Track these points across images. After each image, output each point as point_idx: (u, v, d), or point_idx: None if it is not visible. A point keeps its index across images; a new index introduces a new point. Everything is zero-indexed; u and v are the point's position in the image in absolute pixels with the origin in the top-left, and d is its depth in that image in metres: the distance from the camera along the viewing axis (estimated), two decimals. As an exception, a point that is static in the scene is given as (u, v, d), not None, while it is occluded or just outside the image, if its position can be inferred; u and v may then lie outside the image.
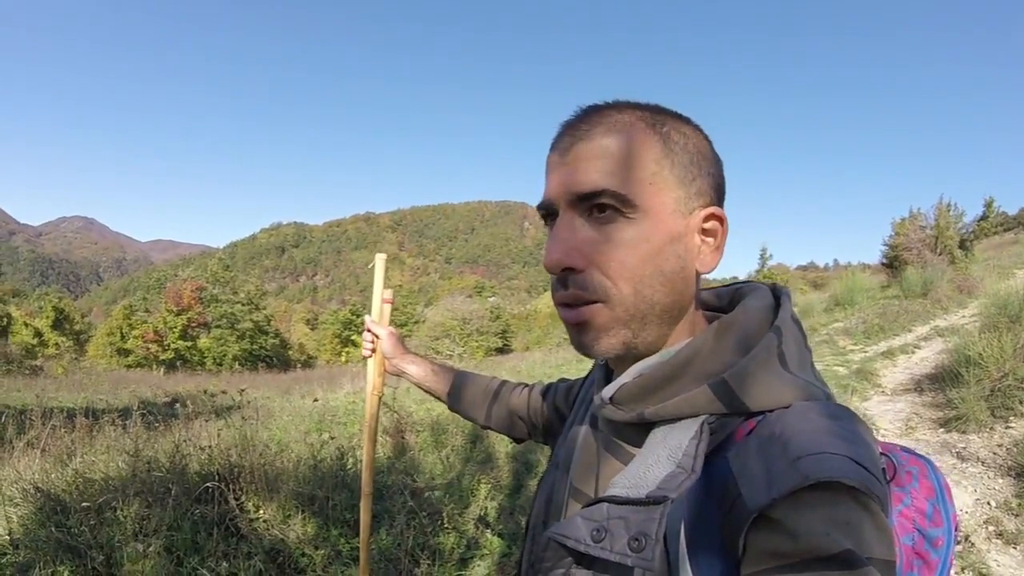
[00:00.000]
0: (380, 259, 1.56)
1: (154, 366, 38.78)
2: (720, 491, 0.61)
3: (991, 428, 5.70)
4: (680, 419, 0.70)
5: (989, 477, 4.86)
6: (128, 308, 47.85)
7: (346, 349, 53.83)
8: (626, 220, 0.69)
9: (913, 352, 10.20)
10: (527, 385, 1.36)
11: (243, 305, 48.45)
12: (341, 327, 56.98)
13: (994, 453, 5.22)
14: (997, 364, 6.35)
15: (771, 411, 0.65)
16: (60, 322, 43.95)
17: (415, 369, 1.46)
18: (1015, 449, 5.08)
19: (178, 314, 44.64)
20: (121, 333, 44.23)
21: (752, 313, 0.74)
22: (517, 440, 1.37)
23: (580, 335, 0.74)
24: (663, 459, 0.67)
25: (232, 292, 49.48)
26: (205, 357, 44.76)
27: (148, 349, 42.73)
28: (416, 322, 50.77)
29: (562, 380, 1.26)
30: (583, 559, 0.70)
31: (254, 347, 47.55)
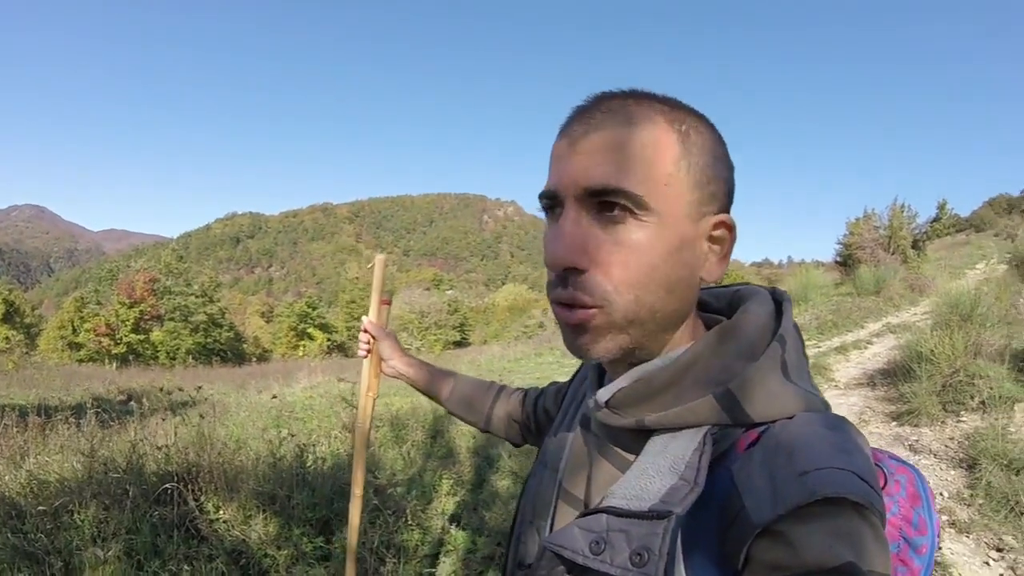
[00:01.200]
0: (380, 260, 1.53)
1: (106, 360, 37.97)
2: (721, 502, 0.61)
3: (943, 422, 5.87)
4: (682, 428, 0.68)
5: (941, 469, 5.00)
6: (79, 300, 46.85)
7: (302, 342, 53.44)
8: (637, 222, 0.65)
9: (866, 348, 10.44)
10: (522, 391, 1.36)
11: (197, 297, 47.74)
12: (297, 320, 56.53)
13: (945, 446, 5.37)
14: (949, 361, 6.52)
15: (774, 422, 0.65)
16: (10, 315, 43.02)
17: (413, 372, 1.45)
18: (966, 442, 5.24)
19: (131, 307, 43.82)
20: (72, 326, 43.39)
21: (755, 320, 0.73)
22: (515, 444, 1.37)
23: (575, 337, 0.70)
24: (665, 470, 0.65)
25: (186, 284, 48.72)
26: (158, 351, 44.03)
27: (100, 343, 41.91)
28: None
29: (553, 383, 1.25)
30: (577, 569, 0.68)
31: (208, 340, 46.89)
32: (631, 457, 0.74)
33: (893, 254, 19.16)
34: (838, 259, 21.86)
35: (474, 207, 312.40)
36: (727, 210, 0.72)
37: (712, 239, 0.70)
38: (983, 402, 5.82)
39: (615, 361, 0.76)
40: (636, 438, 0.73)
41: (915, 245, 20.03)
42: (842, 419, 0.65)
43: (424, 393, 1.48)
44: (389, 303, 1.53)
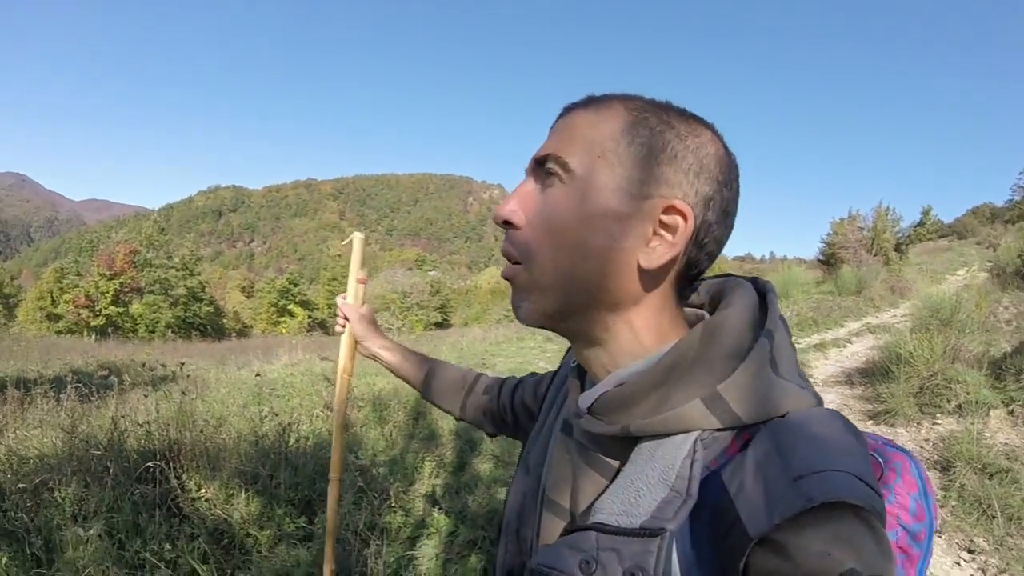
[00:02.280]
0: (358, 238, 1.49)
1: (85, 332, 37.64)
2: (713, 509, 0.59)
3: (919, 423, 5.95)
4: (670, 435, 0.66)
5: (916, 470, 5.04)
6: (59, 271, 46.34)
7: (282, 319, 53.21)
8: (561, 184, 0.69)
9: (844, 346, 10.53)
10: (499, 380, 1.33)
11: (177, 270, 47.32)
12: (278, 296, 56.29)
13: (920, 447, 5.44)
14: (927, 364, 6.59)
15: (765, 422, 0.63)
16: (-12, 285, 42.43)
17: (387, 355, 1.43)
18: (941, 444, 5.30)
19: (110, 278, 43.39)
20: (52, 297, 42.98)
21: (740, 315, 0.69)
22: (489, 434, 1.34)
23: (511, 294, 0.75)
24: (655, 481, 0.63)
25: (167, 256, 48.24)
26: (137, 324, 43.65)
27: (79, 315, 41.53)
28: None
29: (531, 375, 1.23)
30: None
31: (188, 314, 46.51)
32: (616, 464, 0.71)
33: (875, 256, 19.33)
34: (821, 257, 22.01)
35: (459, 189, 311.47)
36: (691, 201, 0.68)
37: (662, 224, 0.68)
38: (959, 406, 5.88)
39: (591, 362, 0.76)
40: (621, 445, 0.71)
41: (898, 248, 20.26)
42: (837, 414, 0.63)
43: (399, 376, 1.45)
44: (365, 281, 1.50)
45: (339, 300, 1.48)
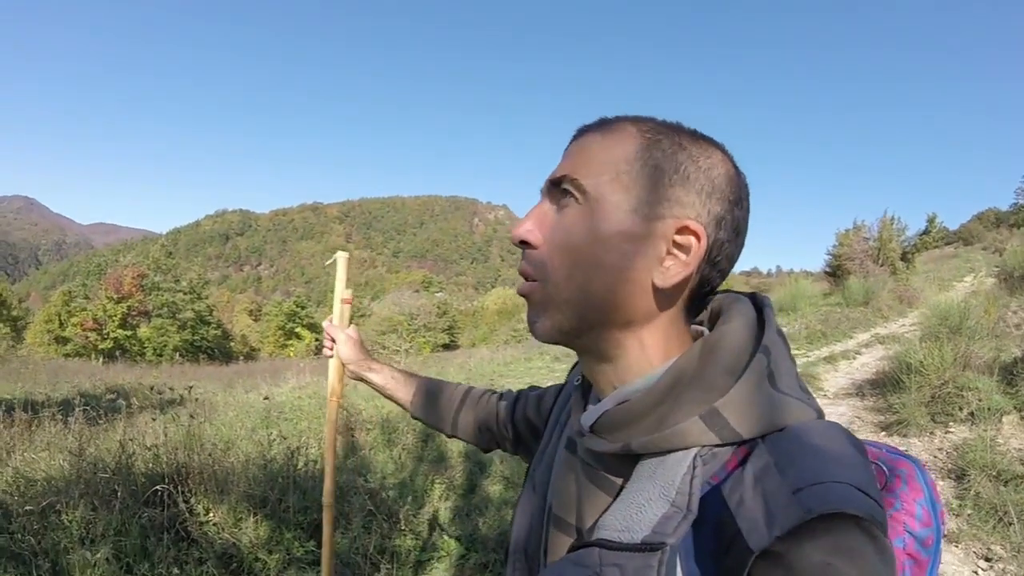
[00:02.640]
0: (342, 257, 1.49)
1: (93, 356, 37.75)
2: (714, 524, 0.60)
3: (931, 433, 5.91)
4: (670, 452, 0.67)
5: (930, 481, 4.99)
6: (67, 294, 46.59)
7: (290, 342, 53.26)
8: (577, 206, 0.71)
9: (854, 358, 10.49)
10: (494, 392, 1.33)
11: (185, 294, 47.51)
12: (285, 319, 56.39)
13: (934, 456, 5.41)
14: (937, 372, 6.56)
15: (764, 436, 0.63)
16: (-4, 307, 42.59)
17: (376, 377, 1.42)
18: (955, 453, 5.28)
19: (118, 301, 43.58)
20: (60, 320, 43.11)
21: (737, 330, 0.70)
22: (485, 450, 1.33)
23: (528, 310, 0.77)
24: (656, 497, 0.65)
25: (174, 280, 48.46)
26: (145, 347, 43.78)
27: (87, 338, 41.68)
28: (362, 316, 50.40)
29: (532, 388, 1.22)
30: None
31: (195, 338, 46.65)
32: (620, 482, 0.72)
33: (882, 266, 19.28)
34: (827, 269, 21.94)
35: (465, 210, 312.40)
36: (703, 221, 0.70)
37: (676, 244, 0.70)
38: (972, 413, 5.86)
39: (599, 377, 0.78)
40: (624, 462, 0.72)
41: (904, 257, 20.18)
42: (836, 426, 0.64)
43: (388, 398, 1.44)
44: (351, 302, 1.49)
45: (325, 324, 1.48)
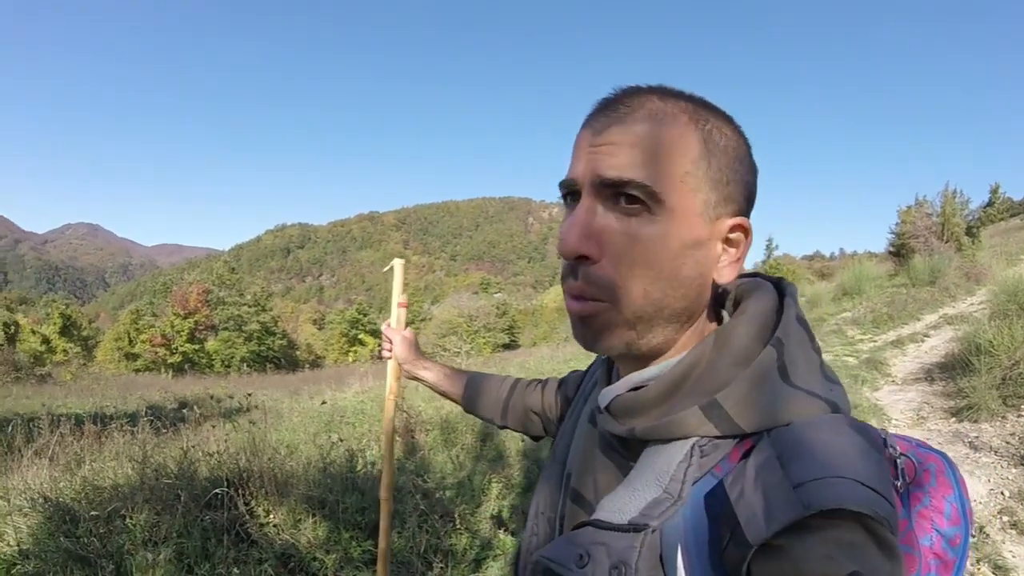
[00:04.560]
0: (398, 264, 1.58)
1: (162, 370, 38.86)
2: (717, 516, 0.59)
3: (1003, 417, 5.67)
4: (671, 440, 0.67)
5: (1002, 467, 4.82)
6: (135, 313, 48.07)
7: (353, 348, 54.07)
8: (651, 216, 0.65)
9: (922, 341, 10.16)
10: (541, 382, 1.33)
11: (250, 307, 48.67)
12: (348, 326, 57.24)
13: (1007, 442, 5.20)
14: (1008, 352, 6.32)
15: (770, 430, 0.63)
16: (67, 328, 44.01)
17: (429, 375, 1.46)
18: (1028, 438, 5.05)
19: (185, 317, 44.87)
20: (129, 338, 44.45)
21: (750, 321, 0.70)
22: (534, 438, 1.35)
23: (583, 329, 0.71)
24: (650, 482, 0.66)
25: (238, 294, 49.74)
26: (213, 359, 44.97)
27: (156, 353, 42.95)
28: (423, 320, 50.81)
29: (573, 372, 1.22)
30: None
31: (261, 348, 47.70)
32: (631, 464, 0.72)
33: (947, 242, 18.63)
34: (891, 249, 21.27)
35: (519, 210, 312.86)
36: (745, 213, 0.71)
37: (727, 241, 0.70)
38: (1046, 395, 5.62)
39: (622, 357, 0.76)
40: (634, 445, 0.72)
41: (969, 232, 19.45)
42: (846, 420, 0.62)
43: (442, 395, 1.48)
44: (406, 306, 1.56)
45: (383, 327, 1.54)
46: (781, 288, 0.75)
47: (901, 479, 0.69)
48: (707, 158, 0.66)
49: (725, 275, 0.70)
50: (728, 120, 0.71)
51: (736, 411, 0.63)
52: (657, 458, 0.67)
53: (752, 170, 0.72)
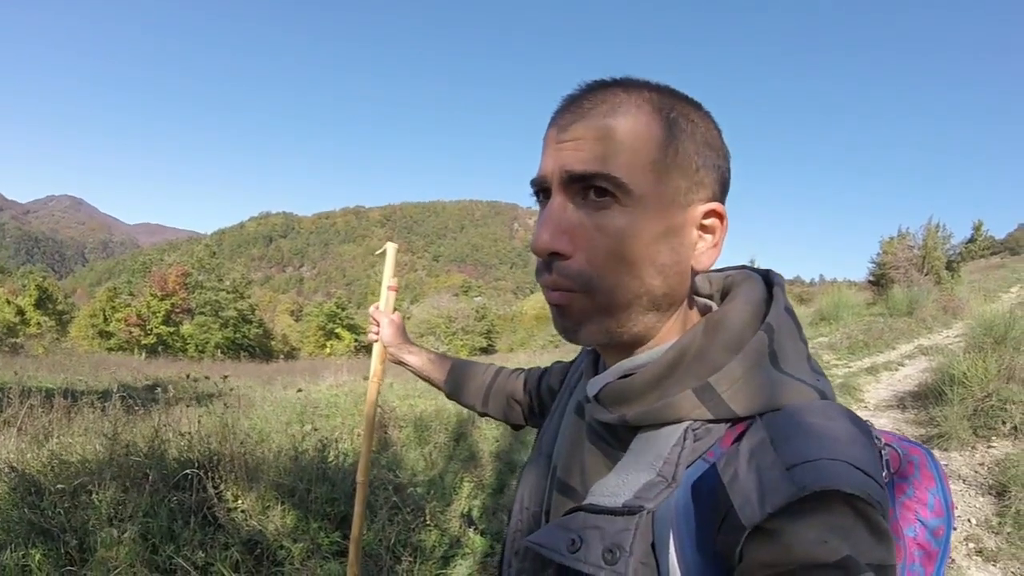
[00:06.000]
0: (391, 247, 1.58)
1: (135, 350, 38.49)
2: (710, 499, 0.59)
3: (973, 447, 5.73)
4: (664, 424, 0.68)
5: (970, 495, 4.88)
6: (112, 290, 47.46)
7: (329, 342, 53.72)
8: (620, 207, 0.65)
9: (897, 369, 10.23)
10: (523, 370, 1.34)
11: (228, 293, 48.21)
12: (325, 319, 56.87)
13: (975, 472, 5.25)
14: (981, 384, 6.39)
15: (761, 414, 0.63)
16: (43, 301, 43.45)
17: (414, 359, 1.47)
18: (996, 468, 5.13)
19: (162, 299, 44.39)
20: (104, 315, 43.94)
21: (742, 308, 0.71)
22: (515, 426, 1.35)
23: (562, 318, 0.71)
24: (643, 466, 0.66)
25: (217, 279, 49.25)
26: (187, 344, 44.51)
27: (130, 333, 42.46)
28: (405, 319, 50.72)
29: (558, 362, 1.22)
30: (556, 567, 0.70)
31: (237, 336, 47.28)
32: (620, 453, 0.72)
33: (927, 275, 18.82)
34: (871, 278, 21.45)
35: (505, 215, 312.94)
36: (720, 199, 0.71)
37: (703, 227, 0.70)
38: (1015, 427, 5.69)
39: (607, 346, 0.76)
40: (624, 433, 0.73)
41: (949, 266, 19.66)
42: (837, 406, 0.63)
43: (425, 379, 1.49)
44: (397, 290, 1.56)
45: (371, 309, 1.54)
46: (770, 279, 0.76)
47: (886, 469, 0.70)
48: (674, 145, 0.67)
49: (703, 261, 0.70)
50: (696, 106, 0.71)
51: (729, 394, 0.64)
52: (649, 443, 0.68)
53: (723, 155, 0.72)
